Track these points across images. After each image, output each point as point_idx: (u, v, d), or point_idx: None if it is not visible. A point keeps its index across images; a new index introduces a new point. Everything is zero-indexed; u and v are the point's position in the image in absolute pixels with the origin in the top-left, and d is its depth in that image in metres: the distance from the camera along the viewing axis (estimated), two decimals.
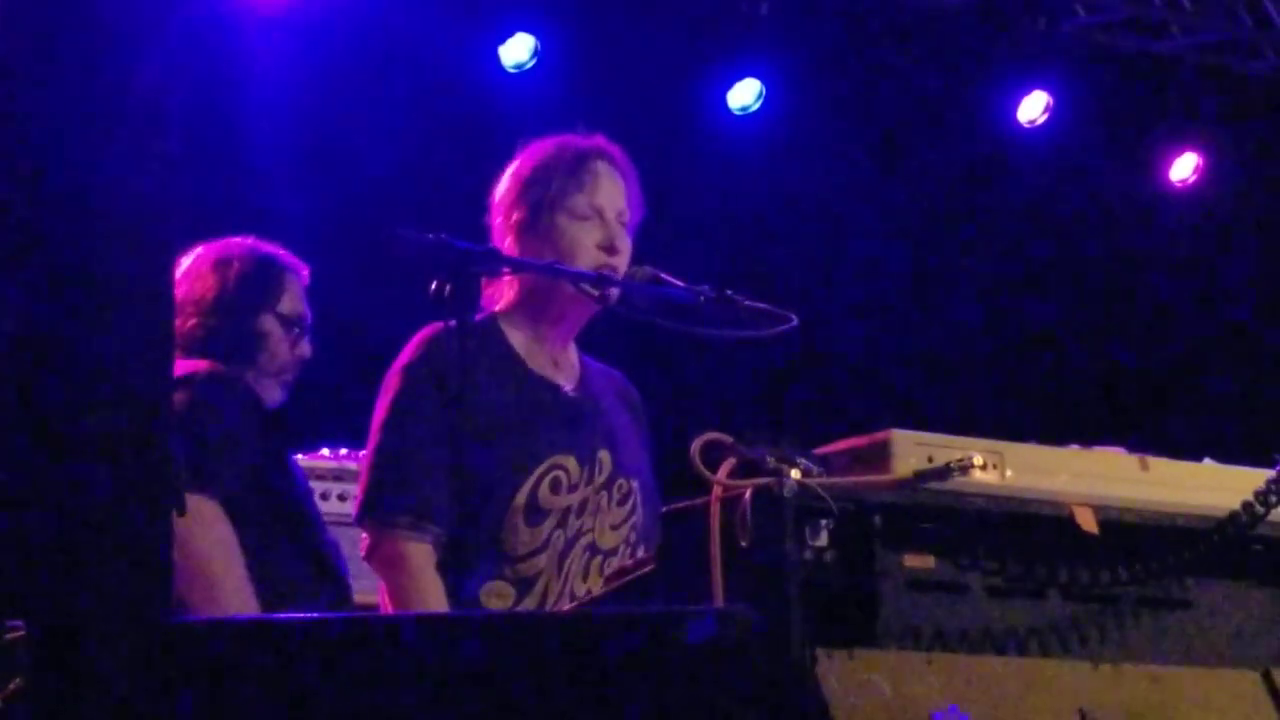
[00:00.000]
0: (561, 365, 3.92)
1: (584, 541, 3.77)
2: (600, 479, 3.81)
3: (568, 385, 3.90)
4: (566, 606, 3.69)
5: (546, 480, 3.73)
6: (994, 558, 2.89)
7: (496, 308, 3.93)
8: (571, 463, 3.77)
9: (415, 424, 3.72)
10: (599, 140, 3.98)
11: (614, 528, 3.82)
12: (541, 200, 3.86)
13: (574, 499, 3.76)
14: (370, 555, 3.75)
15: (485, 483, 3.65)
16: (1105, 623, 2.98)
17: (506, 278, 3.90)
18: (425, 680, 2.38)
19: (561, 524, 3.74)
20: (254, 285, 4.34)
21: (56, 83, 2.43)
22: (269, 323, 4.34)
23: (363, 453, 3.93)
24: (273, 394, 4.34)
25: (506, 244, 3.89)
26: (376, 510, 3.71)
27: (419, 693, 2.38)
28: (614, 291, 3.78)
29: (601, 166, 3.92)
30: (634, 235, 3.93)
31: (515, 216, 3.90)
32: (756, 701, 2.41)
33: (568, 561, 3.74)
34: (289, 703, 2.38)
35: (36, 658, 2.39)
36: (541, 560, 3.71)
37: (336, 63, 6.32)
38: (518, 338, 3.87)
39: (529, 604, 3.68)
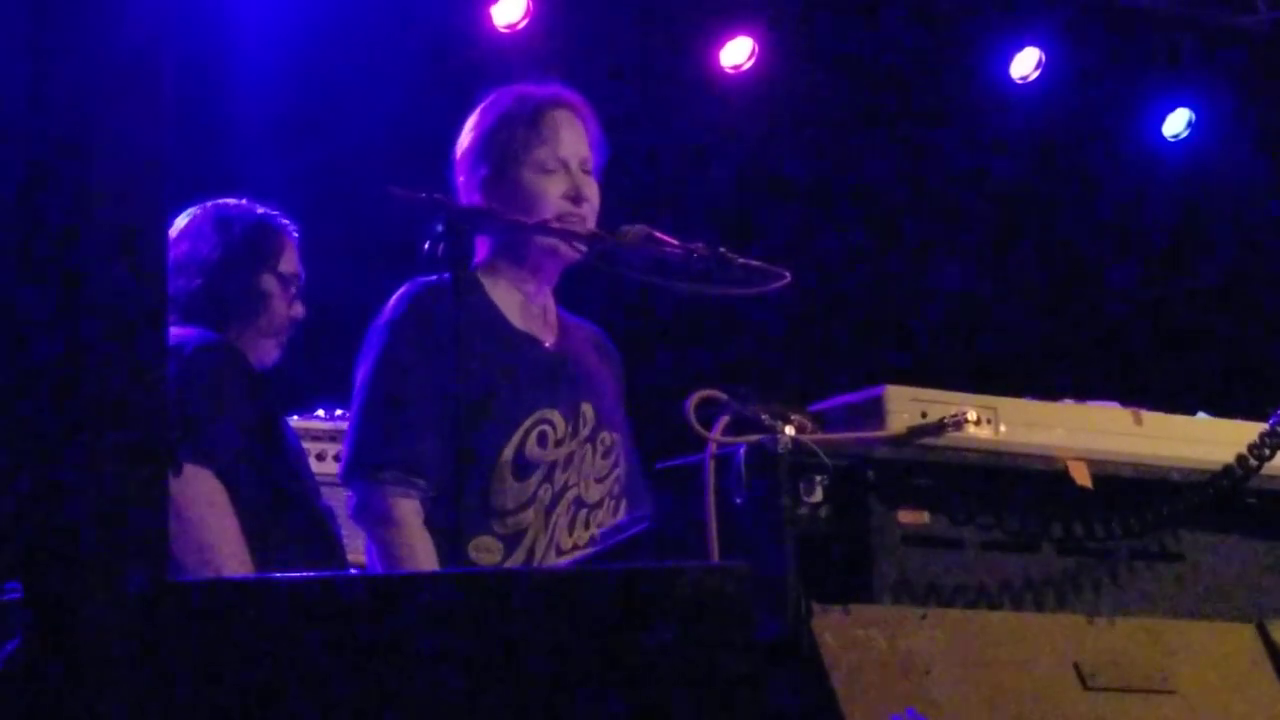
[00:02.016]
0: (541, 319, 3.93)
1: (570, 495, 3.79)
2: (584, 432, 3.83)
3: (548, 339, 3.91)
4: (554, 559, 3.71)
5: (533, 434, 3.75)
6: (988, 512, 2.89)
7: (474, 262, 3.92)
8: (557, 416, 3.79)
9: (403, 380, 3.72)
10: (556, 88, 3.98)
11: (599, 480, 3.84)
12: (505, 155, 3.87)
13: (560, 453, 3.78)
14: (358, 512, 3.75)
15: (472, 438, 3.65)
16: (1100, 576, 2.99)
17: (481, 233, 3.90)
18: (421, 638, 2.38)
19: (548, 478, 3.76)
20: (255, 244, 4.34)
21: (47, 39, 2.42)
22: (269, 282, 4.34)
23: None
24: (269, 354, 4.34)
25: (473, 200, 3.89)
26: (365, 466, 3.71)
27: (414, 651, 2.38)
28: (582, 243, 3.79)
29: (561, 115, 3.92)
30: (601, 177, 3.93)
31: (480, 173, 3.90)
32: (752, 657, 2.42)
33: (555, 515, 3.76)
34: (284, 662, 2.38)
35: (33, 619, 2.39)
36: (529, 515, 3.73)
37: (325, 21, 6.29)
38: (497, 292, 3.88)
39: (517, 558, 3.70)
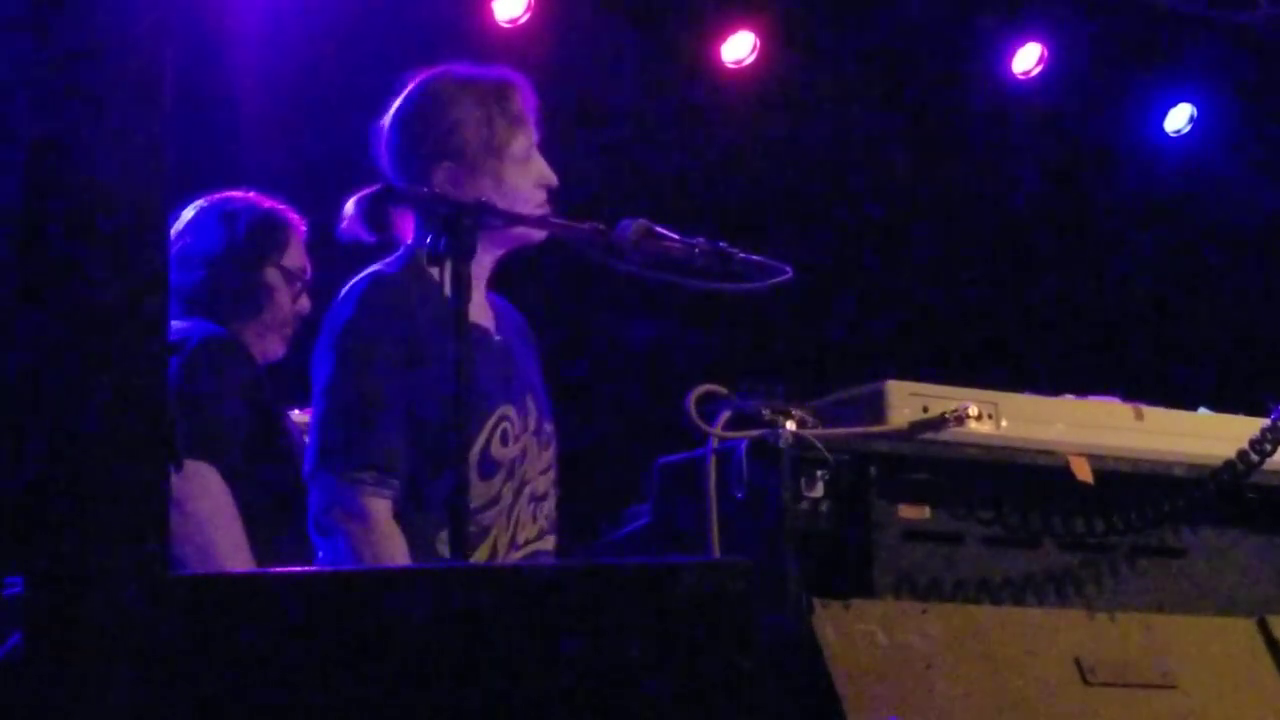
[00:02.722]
0: (483, 308, 3.82)
1: (527, 491, 3.75)
2: (532, 425, 3.78)
3: (493, 329, 3.83)
4: (513, 555, 3.68)
5: (497, 433, 3.70)
6: (989, 508, 2.89)
7: (412, 250, 3.79)
8: (512, 412, 3.73)
9: (369, 380, 3.64)
10: (506, 72, 3.87)
11: (543, 472, 3.79)
12: (482, 150, 3.74)
13: (518, 449, 3.73)
14: (326, 510, 3.65)
15: (446, 437, 3.55)
16: (1100, 572, 2.99)
17: (409, 216, 3.80)
18: (421, 634, 2.38)
19: (510, 475, 3.71)
20: (260, 238, 4.31)
21: (47, 33, 2.42)
22: (273, 276, 4.31)
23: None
24: (274, 348, 4.31)
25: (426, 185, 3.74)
26: (338, 466, 3.63)
27: (414, 647, 2.38)
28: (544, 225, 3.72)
29: (524, 99, 3.84)
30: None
31: (443, 169, 3.74)
32: (753, 652, 2.42)
33: (515, 511, 3.72)
34: (284, 657, 2.38)
35: (33, 614, 2.39)
36: (492, 514, 3.68)
37: (327, 15, 6.29)
38: (447, 281, 3.72)
39: (480, 554, 3.65)
